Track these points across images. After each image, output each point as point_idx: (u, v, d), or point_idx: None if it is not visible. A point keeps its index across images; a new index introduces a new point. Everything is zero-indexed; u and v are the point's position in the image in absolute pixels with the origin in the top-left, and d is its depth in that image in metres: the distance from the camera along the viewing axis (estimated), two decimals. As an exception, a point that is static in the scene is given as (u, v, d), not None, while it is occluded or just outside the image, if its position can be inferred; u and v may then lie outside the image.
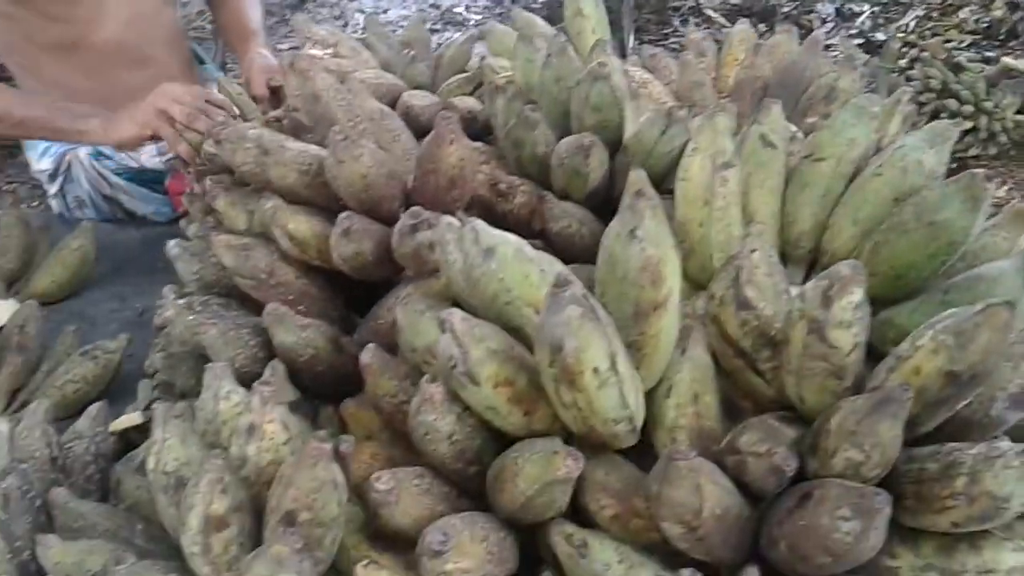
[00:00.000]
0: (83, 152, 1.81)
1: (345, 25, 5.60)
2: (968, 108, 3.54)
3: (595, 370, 0.69)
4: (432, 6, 5.92)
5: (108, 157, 1.81)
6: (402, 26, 5.55)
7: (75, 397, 1.23)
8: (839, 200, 0.96)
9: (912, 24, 4.68)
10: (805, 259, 0.99)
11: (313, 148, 1.00)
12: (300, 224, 0.97)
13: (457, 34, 5.46)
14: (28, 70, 1.70)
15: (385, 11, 5.83)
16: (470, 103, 1.38)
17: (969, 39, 4.57)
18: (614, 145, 1.12)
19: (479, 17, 5.68)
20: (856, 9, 4.98)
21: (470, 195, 1.06)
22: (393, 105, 1.36)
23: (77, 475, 0.89)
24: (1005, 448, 0.63)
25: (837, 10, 5.02)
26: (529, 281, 0.78)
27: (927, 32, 4.60)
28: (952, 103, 3.54)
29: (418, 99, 1.33)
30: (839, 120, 0.98)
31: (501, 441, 0.78)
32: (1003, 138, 3.55)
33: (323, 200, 1.00)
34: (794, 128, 1.24)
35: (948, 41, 4.48)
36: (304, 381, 0.94)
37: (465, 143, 0.97)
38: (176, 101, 1.35)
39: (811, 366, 0.72)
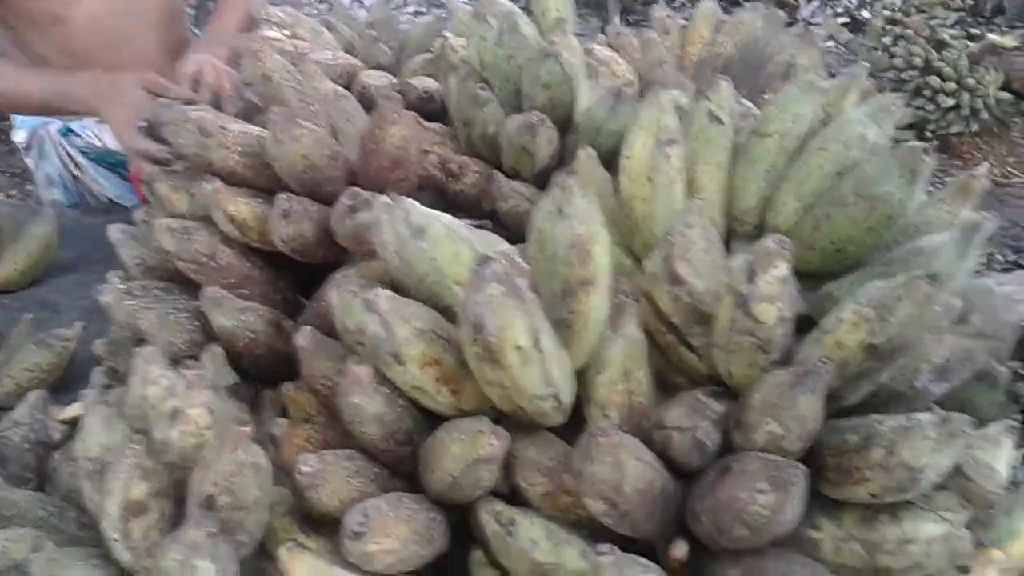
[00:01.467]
0: (53, 128, 1.78)
1: (330, 8, 5.57)
2: (951, 85, 3.52)
3: (517, 347, 0.68)
4: (418, -11, 5.88)
5: (76, 135, 1.79)
6: (392, 9, 5.51)
7: (30, 385, 1.22)
8: (784, 175, 0.95)
9: (898, 2, 4.65)
10: (751, 234, 0.98)
11: (256, 129, 0.99)
12: (241, 206, 0.96)
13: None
14: (15, 45, 1.69)
15: (371, -6, 5.80)
16: (428, 83, 1.37)
17: (955, 16, 4.54)
18: (565, 123, 1.12)
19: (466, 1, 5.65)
20: (842, -13, 4.95)
21: (417, 175, 1.05)
22: (350, 86, 1.35)
23: (13, 463, 0.88)
24: (922, 419, 0.63)
25: (823, -12, 4.99)
26: (459, 260, 0.77)
27: (912, 9, 4.57)
28: (934, 80, 3.53)
29: (374, 79, 1.32)
30: (785, 96, 0.97)
31: (433, 421, 0.78)
32: (985, 115, 3.54)
33: (266, 182, 0.99)
34: (750, 105, 1.23)
35: (934, 18, 4.45)
36: (245, 365, 0.93)
37: (408, 123, 0.96)
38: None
39: (738, 340, 0.71)
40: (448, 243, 0.77)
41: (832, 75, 3.79)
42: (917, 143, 0.80)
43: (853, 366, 0.67)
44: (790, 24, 4.59)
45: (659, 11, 1.62)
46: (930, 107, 3.52)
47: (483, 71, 1.19)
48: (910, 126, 3.45)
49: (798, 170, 0.94)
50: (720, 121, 0.98)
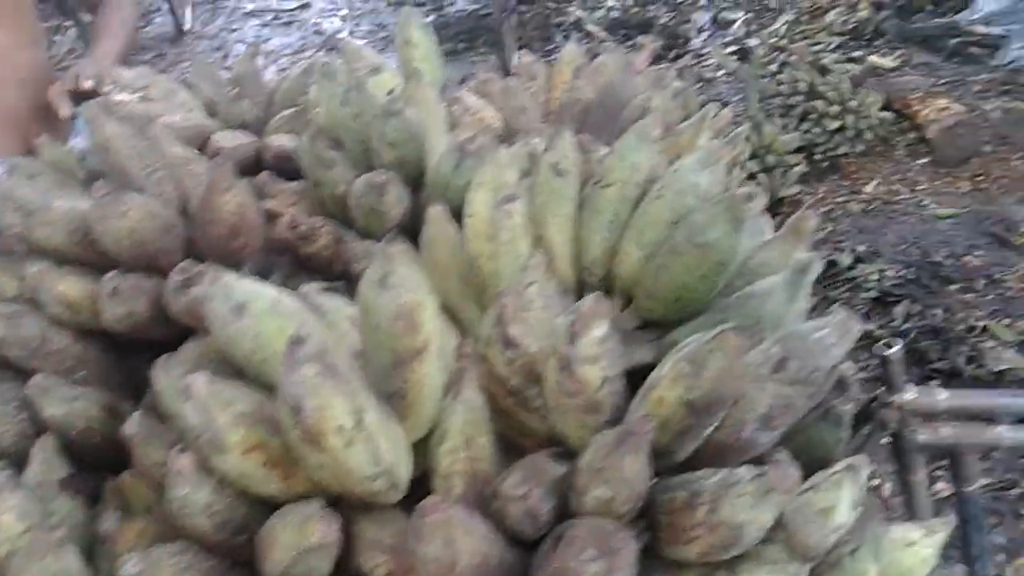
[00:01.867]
0: None
1: (226, 57, 5.50)
2: (835, 108, 3.65)
3: (339, 429, 0.66)
4: (315, 33, 5.86)
5: None
6: (286, 55, 5.48)
7: None
8: (627, 224, 0.96)
9: (783, 29, 4.83)
10: (600, 286, 0.98)
11: (83, 203, 0.95)
12: (71, 286, 0.92)
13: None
14: None
15: (267, 40, 5.75)
16: (286, 141, 1.34)
17: (837, 40, 4.74)
18: (417, 179, 1.10)
19: (364, 42, 5.64)
20: (730, 17, 5.12)
21: (265, 238, 1.03)
22: (204, 148, 1.31)
23: None
24: (741, 475, 0.63)
25: (713, 19, 5.15)
26: (284, 336, 0.74)
27: (797, 36, 4.74)
28: (819, 104, 3.65)
29: (227, 140, 1.28)
30: (623, 145, 0.98)
31: (268, 507, 0.75)
32: (869, 135, 3.67)
33: (98, 259, 0.94)
34: (608, 150, 1.24)
35: (817, 43, 4.63)
36: (82, 454, 0.89)
37: (243, 189, 0.93)
38: None
39: (566, 403, 0.70)
40: (272, 319, 0.75)
41: (725, 103, 3.89)
42: (741, 191, 0.81)
43: (675, 422, 0.66)
44: (682, 55, 4.69)
45: (524, 56, 1.63)
46: (817, 130, 3.65)
47: (335, 129, 1.17)
48: (800, 149, 3.57)
49: (639, 219, 0.94)
50: (563, 173, 0.98)
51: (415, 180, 1.09)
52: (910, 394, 1.17)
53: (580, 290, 0.99)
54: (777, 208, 3.35)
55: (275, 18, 6.08)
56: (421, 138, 1.09)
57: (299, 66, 1.64)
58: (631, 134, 0.98)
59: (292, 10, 6.20)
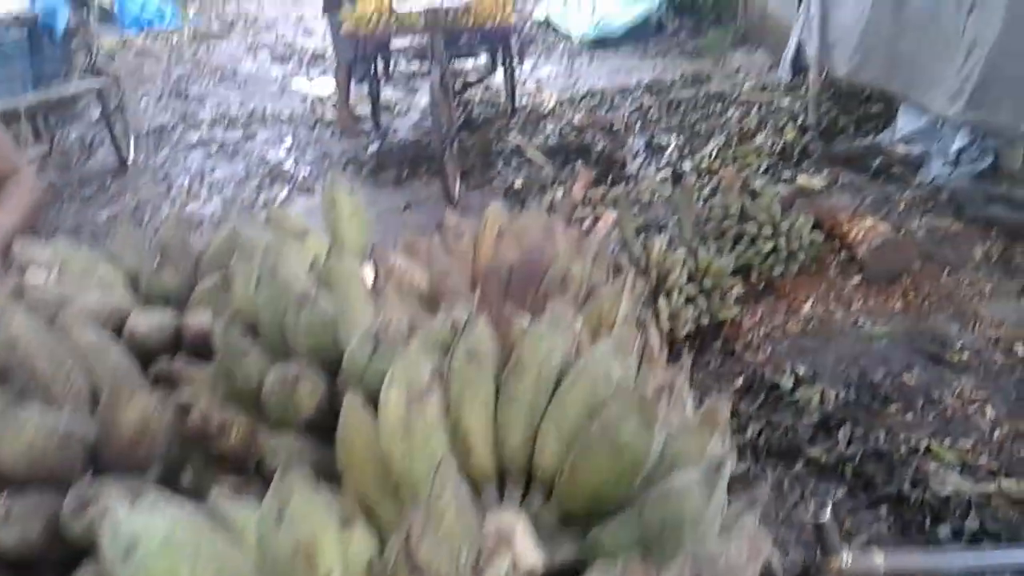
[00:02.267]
0: None
1: (169, 189, 5.50)
2: (767, 230, 3.75)
3: None
4: (261, 162, 5.91)
5: None
6: (230, 185, 5.50)
7: None
8: (544, 413, 0.95)
9: (714, 152, 5.01)
10: (520, 476, 0.96)
11: (-22, 416, 0.91)
12: (-40, 507, 0.87)
13: (285, 192, 5.41)
14: None
15: (212, 170, 5.79)
16: (205, 320, 1.32)
17: (767, 162, 4.92)
18: (335, 364, 1.09)
19: (307, 171, 5.70)
20: (664, 143, 5.30)
21: (165, 448, 0.99)
22: (121, 329, 1.28)
23: None
24: None
25: (647, 143, 5.33)
26: None
27: (728, 158, 4.92)
28: (751, 227, 3.75)
29: (144, 322, 1.26)
30: (536, 331, 0.97)
31: None
32: (802, 255, 3.77)
33: (-9, 474, 0.90)
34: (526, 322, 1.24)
35: (748, 164, 4.80)
36: None
37: (145, 398, 0.91)
38: None
39: (475, 639, 0.67)
40: (163, 559, 0.70)
41: (661, 227, 3.98)
42: (649, 391, 0.81)
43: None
44: (619, 180, 4.81)
45: (450, 218, 1.64)
46: (751, 252, 3.73)
47: (250, 312, 1.15)
48: (736, 271, 3.63)
49: (555, 408, 0.93)
50: (479, 361, 0.97)
51: (332, 364, 1.08)
52: (847, 559, 1.15)
53: (501, 478, 0.97)
54: (717, 331, 3.39)
55: (220, 148, 6.14)
56: (336, 325, 1.07)
57: (222, 231, 1.62)
58: (544, 321, 0.98)
59: (237, 141, 6.27)
